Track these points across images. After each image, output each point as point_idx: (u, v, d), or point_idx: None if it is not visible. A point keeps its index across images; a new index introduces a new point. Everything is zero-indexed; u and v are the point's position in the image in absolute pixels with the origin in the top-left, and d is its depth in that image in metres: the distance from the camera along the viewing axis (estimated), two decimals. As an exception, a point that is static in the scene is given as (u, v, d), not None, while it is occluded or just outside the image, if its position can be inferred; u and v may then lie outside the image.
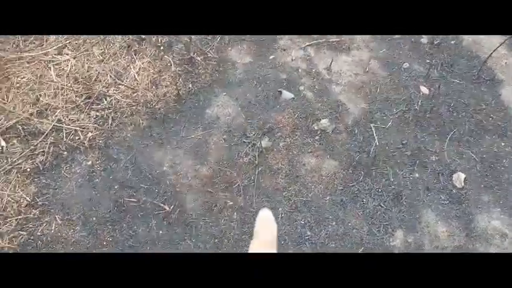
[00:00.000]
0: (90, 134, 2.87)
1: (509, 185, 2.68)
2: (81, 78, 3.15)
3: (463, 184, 2.65)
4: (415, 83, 3.16)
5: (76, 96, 3.06)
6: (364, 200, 2.60)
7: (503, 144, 2.85)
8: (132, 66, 3.24)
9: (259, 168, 2.71)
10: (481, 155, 2.80)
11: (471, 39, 3.45)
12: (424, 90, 3.10)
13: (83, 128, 2.90)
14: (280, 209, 2.58)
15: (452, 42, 3.42)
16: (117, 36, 3.40)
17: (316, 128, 2.90)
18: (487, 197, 2.63)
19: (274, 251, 0.62)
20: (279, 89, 3.11)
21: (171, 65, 3.24)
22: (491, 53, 3.11)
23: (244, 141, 2.84)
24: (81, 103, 3.03)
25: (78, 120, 2.95)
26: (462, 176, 2.68)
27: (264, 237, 0.65)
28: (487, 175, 2.71)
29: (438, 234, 2.49)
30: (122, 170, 2.70)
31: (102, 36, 3.40)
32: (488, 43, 3.42)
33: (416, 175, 2.70)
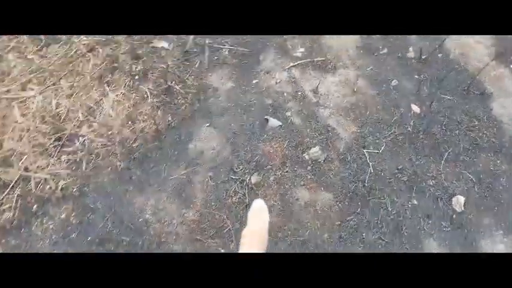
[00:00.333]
0: (62, 182, 2.62)
1: (509, 205, 2.58)
2: (49, 117, 2.89)
3: (463, 208, 2.54)
4: (405, 101, 3.03)
5: (44, 138, 2.80)
6: (364, 234, 2.45)
7: (498, 161, 2.76)
8: (105, 100, 3.00)
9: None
10: (478, 175, 2.69)
11: (458, 52, 3.36)
12: (416, 109, 2.98)
13: (54, 176, 2.65)
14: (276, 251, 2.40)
15: (440, 55, 3.31)
16: (87, 65, 3.15)
17: (307, 157, 2.73)
18: (488, 220, 2.52)
19: (265, 239, 0.63)
20: (265, 117, 2.93)
21: (148, 96, 3.01)
22: (482, 68, 3.02)
23: (232, 178, 2.66)
24: (50, 146, 2.77)
25: (47, 166, 2.70)
26: (461, 199, 2.57)
27: (255, 226, 0.65)
28: (485, 196, 2.61)
29: (443, 267, 2.36)
30: (100, 221, 2.47)
31: (70, 67, 3.14)
32: (476, 55, 3.33)
33: (415, 202, 2.57)
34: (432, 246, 2.42)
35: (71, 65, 3.15)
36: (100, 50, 3.22)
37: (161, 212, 2.53)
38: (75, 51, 3.21)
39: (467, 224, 2.50)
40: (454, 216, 2.52)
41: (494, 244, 2.45)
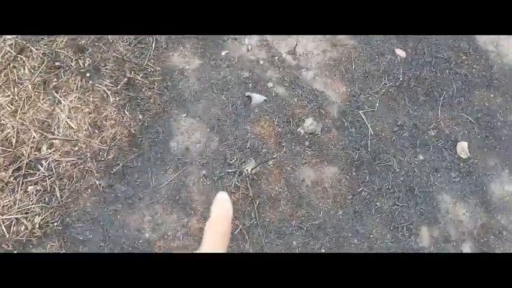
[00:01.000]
0: (38, 219, 2.28)
1: (510, 140, 2.56)
2: (-3, 143, 2.44)
3: (468, 154, 2.49)
4: (388, 46, 2.82)
5: (0, 171, 2.38)
6: (378, 204, 2.37)
7: (492, 96, 2.69)
8: (58, 109, 2.55)
9: (257, 202, 2.34)
10: (475, 115, 2.63)
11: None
12: (401, 53, 2.79)
13: (26, 213, 2.29)
14: (294, 242, 2.28)
15: (412, -15, 3.06)
16: (23, 71, 2.64)
17: (302, 132, 2.53)
18: (493, 161, 2.51)
19: (228, 227, 0.61)
20: (246, 94, 2.63)
21: (108, 95, 2.60)
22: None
23: (228, 172, 2.42)
24: (11, 179, 2.37)
25: (15, 204, 2.32)
26: (465, 144, 2.51)
27: (217, 214, 0.63)
28: (486, 136, 2.57)
29: (460, 218, 2.36)
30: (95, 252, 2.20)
31: (2, 77, 2.61)
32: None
33: (421, 157, 2.49)
34: (447, 201, 2.39)
35: (3, 74, 2.61)
36: (33, 49, 2.68)
37: (161, 227, 2.29)
38: (2, 56, 2.66)
39: (475, 169, 2.46)
40: (461, 164, 2.47)
41: (504, 185, 2.45)
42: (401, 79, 2.68)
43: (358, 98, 2.63)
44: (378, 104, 2.61)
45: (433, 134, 2.55)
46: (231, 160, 2.45)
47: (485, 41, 2.86)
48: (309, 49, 2.79)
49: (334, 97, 2.64)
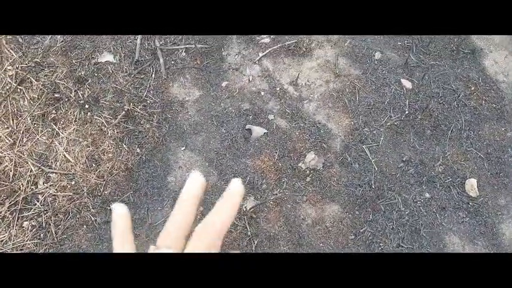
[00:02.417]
0: (33, 257, 2.23)
1: (522, 177, 2.44)
2: (-5, 177, 2.42)
3: (477, 192, 2.37)
4: (394, 76, 2.73)
5: (-4, 205, 2.36)
6: (382, 245, 2.27)
7: (503, 129, 2.58)
8: (57, 142, 2.53)
9: (256, 241, 2.27)
10: (485, 150, 2.51)
11: (438, 4, 3.02)
12: (407, 84, 2.70)
13: (21, 250, 2.26)
14: (293, 285, 2.18)
15: (419, 12, 2.97)
16: (23, 102, 2.62)
17: (303, 167, 2.45)
18: (504, 199, 2.39)
19: (194, 204, 0.55)
20: (246, 127, 2.57)
21: (106, 127, 2.56)
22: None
23: (226, 209, 2.34)
24: (7, 213, 2.34)
25: (10, 239, 2.29)
26: (474, 182, 2.40)
27: (186, 190, 0.55)
28: (497, 173, 2.45)
29: (468, 262, 2.24)
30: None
31: (2, 109, 2.60)
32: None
33: (427, 195, 2.39)
34: (455, 243, 2.28)
35: (3, 105, 2.60)
36: (33, 80, 2.67)
37: (156, 267, 2.22)
38: (3, 87, 2.65)
39: (484, 209, 2.35)
40: (470, 203, 2.36)
41: (514, 224, 2.33)
42: (407, 112, 2.58)
43: (361, 131, 2.55)
44: (382, 138, 2.52)
45: (440, 170, 2.44)
46: (229, 196, 2.37)
47: (495, 71, 2.76)
48: (312, 80, 2.72)
49: (337, 130, 2.56)
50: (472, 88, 2.68)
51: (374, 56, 2.80)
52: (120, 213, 0.53)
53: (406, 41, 2.86)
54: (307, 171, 2.43)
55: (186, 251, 0.53)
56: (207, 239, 0.53)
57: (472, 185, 2.38)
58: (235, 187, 0.53)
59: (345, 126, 2.58)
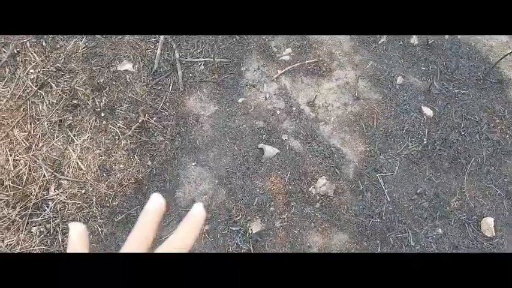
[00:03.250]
0: (39, 263, 2.26)
1: (543, 219, 2.32)
2: (9, 179, 2.46)
3: (493, 232, 2.27)
4: (415, 103, 2.65)
5: (8, 208, 2.40)
6: (388, 279, 2.19)
7: (527, 166, 2.46)
8: (71, 148, 2.56)
9: (259, 265, 2.23)
10: (505, 188, 2.40)
11: (467, 30, 2.91)
12: (428, 111, 2.61)
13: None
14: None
15: (447, 37, 2.87)
16: (41, 106, 2.67)
17: (314, 192, 2.40)
18: (522, 241, 2.28)
19: (154, 220, 0.53)
20: (259, 146, 2.54)
21: (120, 137, 2.58)
22: (502, 58, 2.61)
23: (232, 230, 2.33)
24: (17, 217, 2.38)
25: (18, 243, 2.33)
26: (491, 221, 2.30)
27: (146, 208, 0.53)
28: (517, 212, 2.35)
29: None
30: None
31: (22, 112, 2.65)
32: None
33: (440, 231, 2.30)
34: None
35: (22, 109, 2.65)
36: (53, 85, 2.71)
37: (158, 283, 2.22)
38: (24, 90, 2.70)
39: (500, 250, 2.25)
40: (485, 243, 2.26)
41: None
42: (425, 141, 2.50)
43: (376, 159, 2.48)
44: (397, 168, 2.45)
45: (455, 205, 2.35)
46: (236, 217, 2.35)
47: (523, 103, 2.64)
48: (330, 101, 2.67)
49: (351, 156, 2.50)
50: (497, 121, 2.57)
51: (396, 80, 2.72)
52: (78, 231, 0.53)
53: (430, 67, 2.76)
54: (318, 197, 2.39)
55: None
56: None
57: (488, 224, 2.29)
58: (197, 211, 0.53)
59: (360, 152, 2.51)
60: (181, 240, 0.53)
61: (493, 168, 2.45)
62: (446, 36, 2.86)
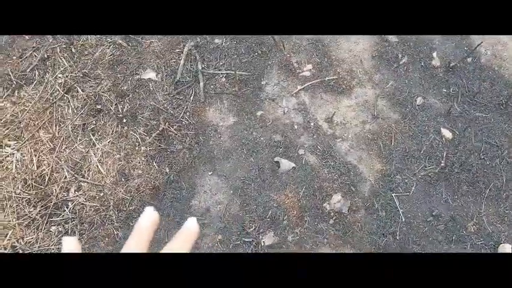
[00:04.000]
0: (55, 262, 2.32)
1: None
2: (32, 178, 2.54)
3: None
4: (434, 124, 2.64)
5: (29, 206, 2.48)
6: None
7: (548, 194, 2.41)
8: (92, 152, 2.63)
9: (269, 278, 2.23)
10: (525, 214, 2.36)
11: (490, 54, 2.90)
12: (447, 133, 2.59)
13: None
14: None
15: (469, 59, 2.86)
16: (67, 110, 2.76)
17: (328, 208, 2.40)
18: (540, 270, 2.21)
19: (146, 236, 0.52)
20: (275, 159, 2.56)
21: (140, 143, 2.64)
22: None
23: (244, 241, 2.34)
24: (37, 216, 2.45)
25: (37, 242, 2.39)
26: (508, 247, 2.25)
27: (139, 223, 0.53)
28: (536, 241, 2.29)
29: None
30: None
31: (48, 114, 2.75)
32: (511, 55, 2.88)
33: (455, 255, 2.26)
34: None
35: (49, 111, 2.75)
36: (79, 90, 2.80)
37: (169, 290, 2.24)
38: (51, 94, 2.80)
39: (517, 278, 2.19)
40: (501, 270, 2.21)
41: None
42: (443, 164, 2.48)
43: (393, 178, 2.47)
44: (413, 188, 2.43)
45: (472, 230, 2.32)
46: (249, 228, 2.37)
47: (546, 130, 2.60)
48: (348, 118, 2.68)
49: (368, 174, 2.50)
50: (518, 146, 2.54)
51: (415, 100, 2.72)
52: (71, 244, 0.53)
53: (451, 89, 2.75)
54: (332, 213, 2.38)
55: None
56: None
57: (506, 250, 2.24)
58: (191, 226, 0.53)
59: (376, 171, 2.51)
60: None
61: (512, 194, 2.41)
62: (469, 59, 2.85)
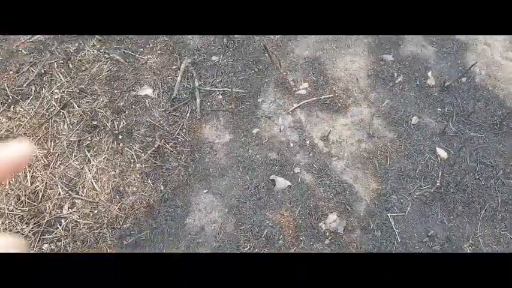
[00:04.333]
0: (46, 281, 2.28)
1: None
2: (25, 195, 2.52)
3: (506, 281, 2.20)
4: (430, 144, 2.64)
5: (22, 223, 2.45)
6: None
7: (543, 215, 2.41)
8: (87, 168, 2.62)
9: (264, 299, 2.20)
10: (520, 236, 2.35)
11: (484, 73, 2.93)
12: (442, 153, 2.60)
13: (37, 272, 2.31)
14: None
15: (464, 79, 2.89)
16: (62, 126, 2.75)
17: (323, 227, 2.39)
18: (536, 293, 2.20)
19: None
20: (271, 177, 2.56)
21: (135, 160, 2.63)
22: (517, 102, 2.61)
23: (239, 260, 2.31)
24: (30, 233, 2.42)
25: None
26: (504, 269, 2.23)
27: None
28: (531, 262, 2.27)
29: None
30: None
31: (43, 130, 2.73)
32: (504, 74, 2.91)
33: (451, 276, 2.24)
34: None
35: (44, 127, 2.74)
36: (75, 105, 2.80)
37: (162, 310, 2.21)
38: (47, 109, 2.80)
39: (513, 301, 2.18)
40: (497, 292, 2.19)
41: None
42: (438, 183, 2.48)
43: (388, 198, 2.47)
44: (409, 208, 2.43)
45: (468, 251, 2.31)
46: (244, 247, 2.35)
47: (540, 150, 2.61)
48: (344, 137, 2.69)
49: (363, 193, 2.49)
50: (513, 167, 2.54)
51: (411, 120, 2.74)
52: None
53: (446, 108, 2.77)
54: (327, 233, 2.37)
55: None
56: None
57: (501, 272, 2.22)
58: (23, 149, 0.42)
59: (372, 190, 2.50)
60: None
61: (508, 215, 2.40)
62: (464, 79, 2.88)
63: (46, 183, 2.56)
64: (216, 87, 2.89)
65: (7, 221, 2.45)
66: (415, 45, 3.05)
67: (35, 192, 2.54)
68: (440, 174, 2.52)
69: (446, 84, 2.83)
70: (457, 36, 3.09)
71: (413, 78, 2.91)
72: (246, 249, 2.34)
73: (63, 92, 2.86)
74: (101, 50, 3.04)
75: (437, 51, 3.01)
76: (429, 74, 2.93)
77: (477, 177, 2.51)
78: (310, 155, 2.64)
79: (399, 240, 2.34)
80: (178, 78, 2.90)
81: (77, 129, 2.73)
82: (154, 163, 2.62)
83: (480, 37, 3.08)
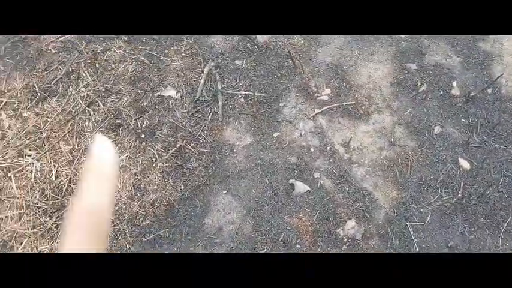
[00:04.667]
0: (67, 273, 2.34)
1: None
2: (49, 189, 2.59)
3: (528, 297, 2.15)
4: (452, 154, 2.61)
5: (45, 216, 2.51)
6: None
7: None
8: (109, 165, 2.66)
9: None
10: (544, 251, 2.29)
11: (511, 84, 2.88)
12: (465, 164, 2.57)
13: (58, 265, 2.37)
14: None
15: (489, 90, 2.85)
16: (87, 123, 2.82)
17: (341, 233, 2.38)
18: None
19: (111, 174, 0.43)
20: (290, 181, 2.56)
21: (157, 159, 2.67)
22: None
23: (256, 262, 2.32)
24: (53, 226, 2.48)
25: (50, 251, 2.41)
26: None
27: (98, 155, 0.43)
28: (555, 279, 2.22)
29: None
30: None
31: (69, 126, 2.81)
32: (532, 89, 2.86)
33: (471, 289, 2.20)
34: None
35: (70, 123, 2.81)
36: (100, 104, 2.87)
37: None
38: (73, 106, 2.87)
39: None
40: (519, 308, 2.14)
41: None
42: (460, 194, 2.45)
43: (408, 207, 2.44)
44: (429, 218, 2.40)
45: (489, 264, 2.26)
46: (261, 250, 2.36)
47: None
48: (365, 144, 2.68)
49: (383, 201, 2.48)
50: (538, 180, 2.49)
51: (434, 129, 2.71)
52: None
53: (470, 119, 2.74)
54: (345, 239, 2.36)
55: None
56: None
57: (524, 288, 2.17)
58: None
59: (392, 199, 2.48)
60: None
61: (531, 229, 2.35)
62: (489, 90, 2.84)
63: (70, 178, 2.63)
64: (238, 90, 2.92)
65: (31, 213, 2.52)
66: (440, 54, 3.03)
67: (59, 186, 2.61)
68: (462, 185, 2.48)
69: (471, 94, 2.79)
70: (483, 47, 3.05)
71: (437, 87, 2.89)
72: (262, 251, 2.35)
73: (89, 90, 2.94)
74: (127, 51, 3.11)
75: (462, 61, 2.98)
76: (454, 84, 2.90)
77: (500, 189, 2.47)
78: (330, 160, 2.64)
79: (417, 249, 2.31)
80: (202, 81, 2.94)
81: (101, 127, 2.79)
82: (176, 163, 2.66)
83: (506, 47, 3.04)
